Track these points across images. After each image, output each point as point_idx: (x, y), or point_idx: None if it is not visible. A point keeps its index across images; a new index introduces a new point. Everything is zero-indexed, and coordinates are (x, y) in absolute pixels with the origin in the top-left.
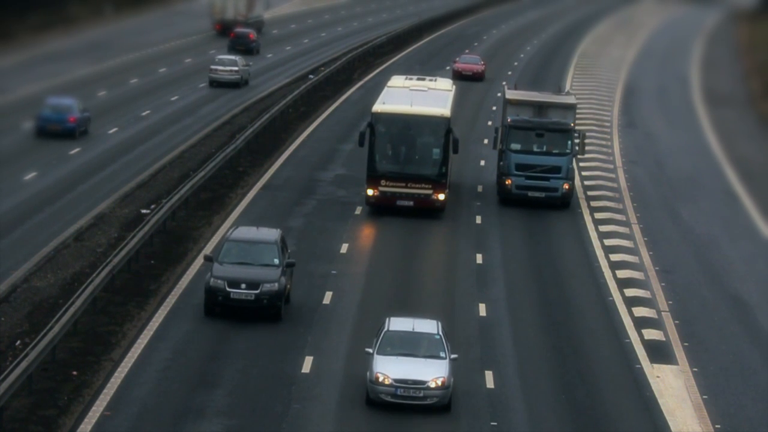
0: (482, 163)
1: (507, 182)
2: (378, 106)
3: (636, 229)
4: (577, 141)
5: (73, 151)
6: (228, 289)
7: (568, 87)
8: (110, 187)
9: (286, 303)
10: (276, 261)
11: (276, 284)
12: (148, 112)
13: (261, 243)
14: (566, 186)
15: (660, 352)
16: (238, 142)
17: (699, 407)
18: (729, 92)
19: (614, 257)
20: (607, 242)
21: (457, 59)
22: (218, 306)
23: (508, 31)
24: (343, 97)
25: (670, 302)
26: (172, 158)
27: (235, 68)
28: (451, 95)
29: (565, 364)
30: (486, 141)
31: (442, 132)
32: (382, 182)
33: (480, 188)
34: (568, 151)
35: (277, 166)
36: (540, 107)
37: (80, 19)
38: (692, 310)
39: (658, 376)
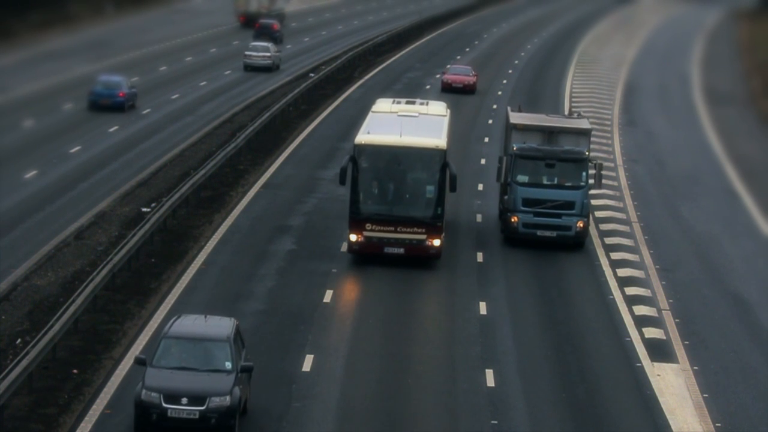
0: (483, 161)
1: (513, 220)
2: (362, 137)
3: (636, 227)
4: (592, 172)
5: (73, 150)
6: (164, 405)
7: (568, 85)
8: (111, 186)
9: (243, 415)
10: (228, 365)
11: (228, 397)
12: (148, 110)
13: (209, 340)
14: (581, 224)
15: (660, 351)
16: (239, 141)
17: (699, 406)
18: (729, 91)
19: (615, 255)
20: (608, 240)
21: (446, 69)
22: (152, 426)
23: (508, 30)
24: (344, 95)
25: (671, 301)
26: (173, 156)
27: (268, 54)
28: (446, 121)
29: (565, 362)
30: (487, 139)
31: (437, 166)
32: (367, 226)
33: (480, 186)
34: (582, 183)
35: (277, 165)
36: (550, 133)
37: (81, 17)
38: (693, 309)
39: (658, 375)
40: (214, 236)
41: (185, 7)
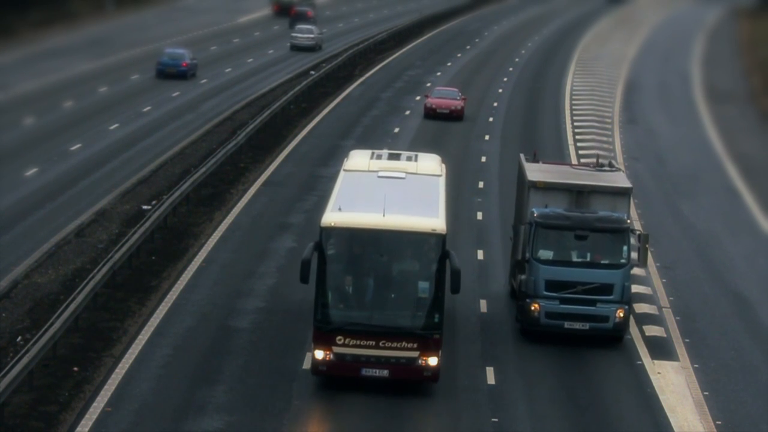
0: (483, 159)
1: (533, 308)
2: (330, 217)
3: (637, 225)
4: (634, 243)
5: (74, 147)
6: None
7: (569, 82)
8: (111, 183)
9: None
10: None
11: None
12: (149, 108)
13: None
14: (620, 313)
15: (661, 349)
16: (240, 138)
17: (700, 403)
18: (730, 89)
19: None
20: None
21: (428, 91)
22: None
23: (509, 27)
24: (344, 93)
25: (671, 298)
26: (173, 154)
27: (312, 35)
28: (441, 183)
29: (565, 360)
30: (487, 137)
31: (434, 256)
32: (338, 339)
33: (481, 184)
34: (623, 260)
35: (278, 162)
36: (579, 193)
37: (81, 15)
38: (693, 307)
39: (659, 373)
40: (214, 234)
41: (186, 6)
